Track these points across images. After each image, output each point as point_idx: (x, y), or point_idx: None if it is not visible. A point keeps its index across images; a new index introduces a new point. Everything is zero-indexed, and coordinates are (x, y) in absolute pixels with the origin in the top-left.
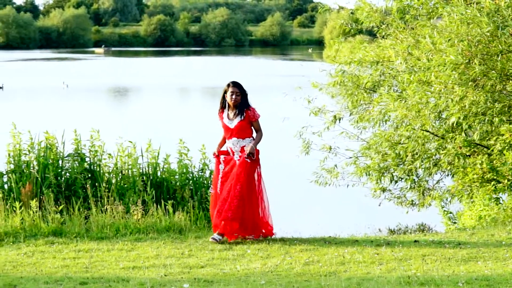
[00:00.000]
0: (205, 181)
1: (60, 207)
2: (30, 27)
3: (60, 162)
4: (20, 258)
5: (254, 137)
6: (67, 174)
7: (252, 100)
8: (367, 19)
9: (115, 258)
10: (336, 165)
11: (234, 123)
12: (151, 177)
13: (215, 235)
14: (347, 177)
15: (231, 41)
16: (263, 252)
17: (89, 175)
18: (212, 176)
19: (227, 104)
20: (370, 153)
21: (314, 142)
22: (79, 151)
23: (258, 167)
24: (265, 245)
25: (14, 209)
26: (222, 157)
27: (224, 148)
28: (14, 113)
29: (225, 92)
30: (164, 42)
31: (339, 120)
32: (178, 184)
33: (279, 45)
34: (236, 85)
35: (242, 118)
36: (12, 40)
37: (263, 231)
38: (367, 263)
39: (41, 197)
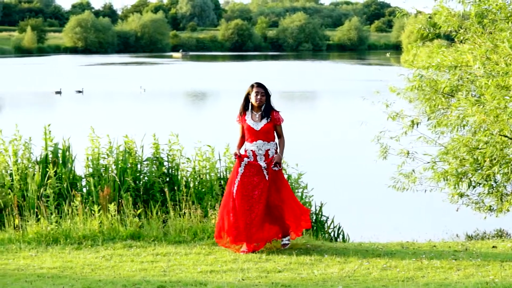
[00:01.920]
0: None
1: (139, 211)
2: (108, 32)
3: (138, 166)
4: (99, 261)
5: (277, 142)
6: (145, 178)
7: (330, 104)
8: (445, 23)
9: (192, 262)
10: (413, 170)
11: (260, 125)
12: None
13: (284, 240)
14: (425, 182)
15: (308, 45)
16: (340, 257)
17: (167, 179)
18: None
19: (250, 106)
20: (448, 158)
21: (391, 146)
22: (157, 155)
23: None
24: (343, 249)
25: (93, 212)
26: (245, 160)
27: (242, 151)
28: (92, 117)
29: (248, 93)
30: (242, 46)
31: (417, 125)
32: None
33: (356, 50)
34: (260, 85)
35: (269, 120)
36: (90, 45)
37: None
38: (445, 269)
39: (120, 200)
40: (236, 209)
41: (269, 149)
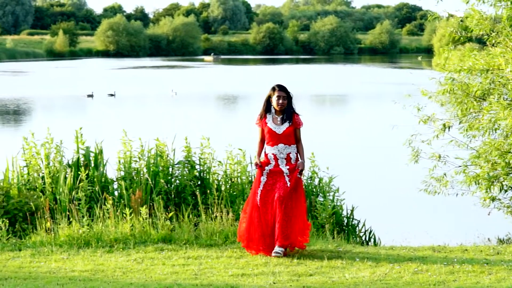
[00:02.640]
0: (314, 189)
1: (170, 214)
2: (140, 35)
3: (170, 169)
4: (130, 264)
5: (297, 146)
6: (177, 181)
7: (362, 107)
8: (476, 27)
9: (224, 265)
10: (445, 174)
11: (282, 128)
12: None
13: (278, 249)
14: (456, 186)
15: (340, 49)
16: (371, 261)
17: (199, 183)
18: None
19: (272, 109)
20: (480, 162)
21: (423, 150)
22: (189, 159)
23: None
24: (374, 253)
25: (124, 215)
26: (267, 169)
27: (261, 155)
28: (124, 120)
29: (270, 96)
30: (273, 50)
31: (449, 128)
32: None
33: (388, 53)
34: (282, 88)
35: (291, 123)
36: (122, 48)
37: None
38: (477, 273)
39: (151, 204)
40: (261, 218)
41: (290, 153)
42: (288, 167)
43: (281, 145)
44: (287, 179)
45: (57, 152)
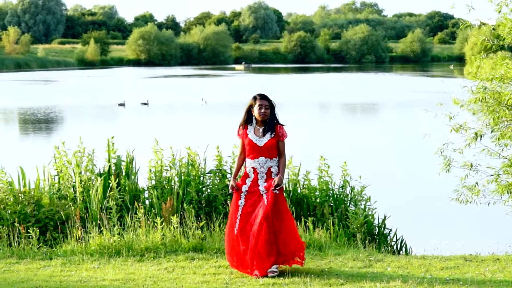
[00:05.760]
0: (345, 198)
1: (201, 223)
2: (171, 44)
3: (201, 178)
4: (161, 273)
5: (279, 159)
6: (208, 190)
7: (393, 116)
8: (509, 35)
9: None
10: (477, 183)
11: (263, 140)
12: (292, 194)
13: (273, 267)
14: (488, 195)
15: (371, 57)
16: (403, 270)
17: (230, 191)
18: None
19: (253, 120)
20: None
21: (455, 159)
22: (220, 168)
23: (283, 191)
24: (406, 262)
25: (155, 224)
26: (244, 190)
27: (242, 168)
28: (155, 128)
29: (251, 106)
30: (304, 58)
31: (481, 137)
32: (318, 200)
33: (419, 62)
34: (264, 97)
35: (273, 135)
36: (153, 57)
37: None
38: (508, 282)
39: (182, 213)
40: (240, 242)
41: (271, 166)
42: (266, 184)
43: (262, 159)
44: (264, 197)
45: (89, 161)
